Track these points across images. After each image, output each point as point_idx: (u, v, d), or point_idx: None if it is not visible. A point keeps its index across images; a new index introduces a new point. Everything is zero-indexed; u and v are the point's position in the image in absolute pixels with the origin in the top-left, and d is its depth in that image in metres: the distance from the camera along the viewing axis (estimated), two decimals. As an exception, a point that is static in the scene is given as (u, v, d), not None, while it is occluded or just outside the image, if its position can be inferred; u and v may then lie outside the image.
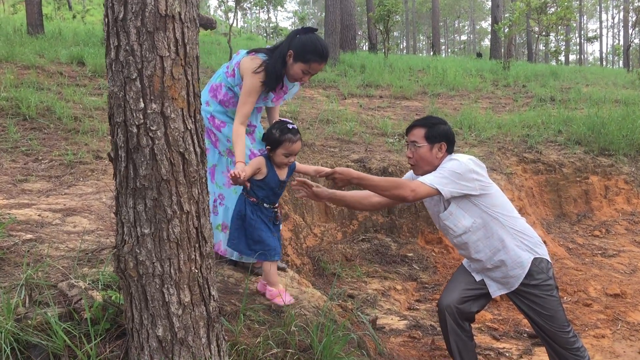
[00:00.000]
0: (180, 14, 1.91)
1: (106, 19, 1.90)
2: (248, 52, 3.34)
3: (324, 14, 15.54)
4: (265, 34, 34.79)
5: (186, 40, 1.95)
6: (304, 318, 2.90)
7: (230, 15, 11.03)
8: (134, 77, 1.87)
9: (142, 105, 1.88)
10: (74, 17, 26.12)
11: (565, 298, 5.31)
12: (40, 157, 5.31)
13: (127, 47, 1.87)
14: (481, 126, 8.90)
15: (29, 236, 3.19)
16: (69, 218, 3.75)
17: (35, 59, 9.31)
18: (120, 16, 1.85)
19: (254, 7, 46.50)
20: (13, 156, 5.28)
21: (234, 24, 14.89)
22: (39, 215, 3.70)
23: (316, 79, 11.95)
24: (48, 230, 3.41)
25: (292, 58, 3.20)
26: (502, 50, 21.80)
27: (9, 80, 7.44)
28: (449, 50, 68.39)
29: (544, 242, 6.47)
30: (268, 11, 46.48)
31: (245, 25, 44.45)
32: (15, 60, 9.00)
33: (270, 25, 39.80)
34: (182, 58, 1.95)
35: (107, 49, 1.92)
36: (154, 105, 1.89)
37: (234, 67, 3.31)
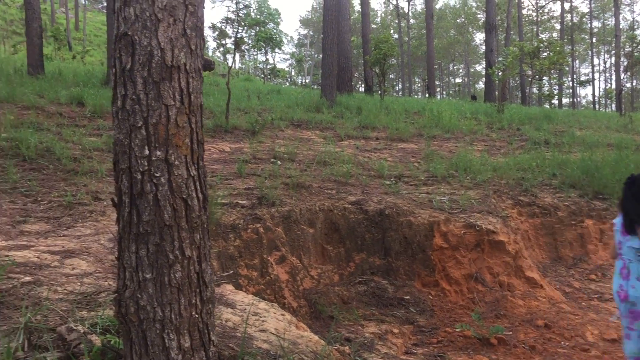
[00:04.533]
0: (185, 64, 1.98)
1: (114, 69, 1.96)
2: None
3: (321, 56, 15.78)
4: (262, 75, 35.29)
5: (191, 90, 2.02)
6: (301, 363, 2.89)
7: (229, 57, 11.23)
8: (139, 125, 1.93)
9: (146, 152, 1.93)
10: (74, 57, 26.51)
11: (562, 343, 5.28)
12: (39, 198, 5.33)
13: (134, 96, 1.93)
14: (476, 169, 8.98)
15: (27, 279, 3.19)
16: (67, 260, 3.75)
17: (35, 99, 9.42)
18: (128, 67, 1.91)
19: (252, 49, 47.31)
20: (12, 197, 5.30)
21: (233, 66, 15.14)
22: (37, 257, 3.70)
23: (313, 121, 12.08)
24: (47, 273, 3.41)
25: None
26: (496, 93, 22.12)
27: (9, 121, 7.52)
28: (444, 92, 69.29)
29: (541, 285, 6.49)
30: (266, 53, 47.20)
31: (243, 66, 45.11)
32: (15, 101, 9.11)
33: (268, 66, 40.41)
34: (187, 107, 2.01)
35: (113, 97, 1.97)
36: (158, 153, 1.94)
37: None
